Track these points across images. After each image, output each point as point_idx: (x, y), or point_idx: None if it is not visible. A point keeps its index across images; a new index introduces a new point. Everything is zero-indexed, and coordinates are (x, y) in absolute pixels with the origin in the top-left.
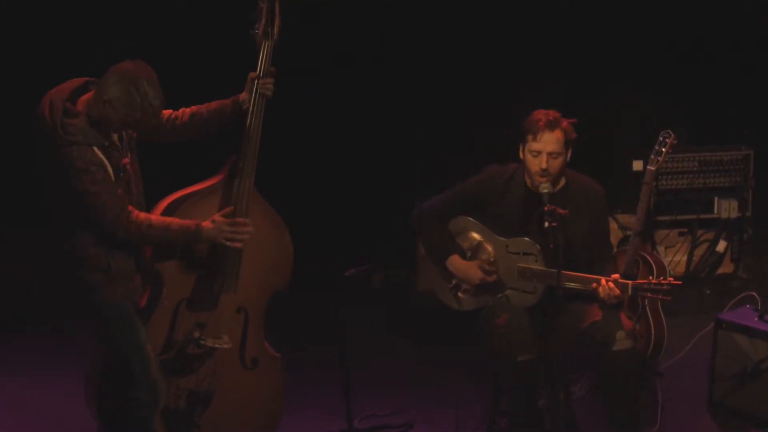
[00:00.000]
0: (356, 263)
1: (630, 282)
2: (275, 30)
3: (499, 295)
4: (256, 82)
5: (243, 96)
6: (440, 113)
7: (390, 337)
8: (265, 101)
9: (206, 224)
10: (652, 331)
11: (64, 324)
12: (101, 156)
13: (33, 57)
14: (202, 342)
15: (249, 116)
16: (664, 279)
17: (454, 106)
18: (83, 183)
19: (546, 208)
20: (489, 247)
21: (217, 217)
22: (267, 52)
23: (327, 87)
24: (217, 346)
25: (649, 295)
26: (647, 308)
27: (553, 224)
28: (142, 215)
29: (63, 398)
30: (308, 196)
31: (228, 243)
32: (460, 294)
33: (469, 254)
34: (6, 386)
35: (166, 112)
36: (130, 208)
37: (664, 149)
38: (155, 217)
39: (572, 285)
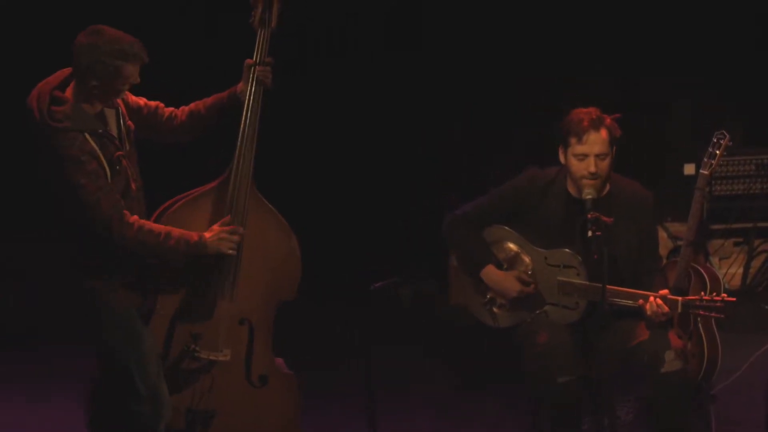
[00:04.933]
0: (383, 276)
1: (680, 298)
2: (273, 17)
3: (538, 311)
4: (252, 69)
5: (240, 86)
6: (475, 116)
7: (419, 356)
8: (262, 91)
9: (209, 234)
10: (705, 351)
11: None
12: (93, 144)
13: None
14: (197, 354)
15: (244, 108)
16: (717, 295)
17: (489, 108)
18: (73, 174)
19: (589, 216)
20: (527, 259)
21: (216, 226)
22: (263, 41)
23: (355, 88)
24: (212, 358)
25: (700, 312)
26: (700, 325)
27: (597, 233)
28: (140, 220)
29: (52, 415)
30: (334, 204)
31: (223, 249)
32: (495, 309)
33: (505, 266)
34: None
35: (167, 110)
36: (125, 212)
37: (718, 152)
38: (154, 224)
39: (617, 301)
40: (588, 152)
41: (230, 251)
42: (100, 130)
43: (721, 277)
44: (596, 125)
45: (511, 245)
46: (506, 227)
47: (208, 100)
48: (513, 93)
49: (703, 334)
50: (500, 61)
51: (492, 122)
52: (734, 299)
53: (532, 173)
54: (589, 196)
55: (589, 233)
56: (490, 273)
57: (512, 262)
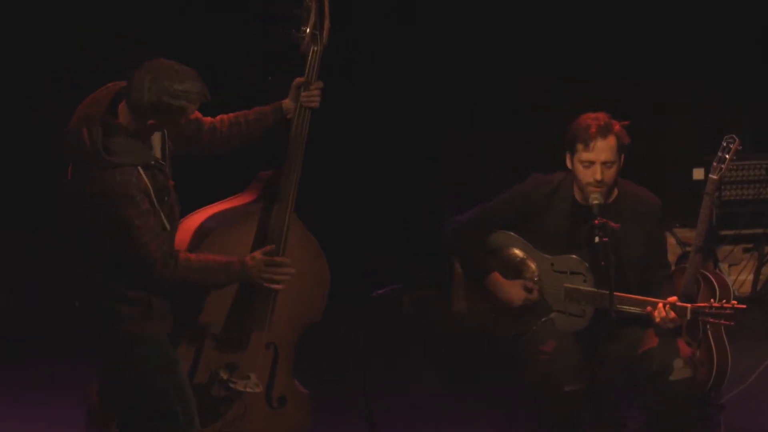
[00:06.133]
0: (384, 283)
1: (689, 305)
2: (324, 33)
3: (544, 319)
4: (302, 90)
5: (286, 103)
6: (475, 119)
7: (420, 365)
8: (310, 113)
9: (251, 263)
10: (714, 359)
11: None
12: (146, 179)
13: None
14: (232, 385)
15: (292, 130)
16: (727, 302)
17: (490, 112)
18: (128, 213)
19: (597, 222)
20: (532, 265)
21: (258, 254)
22: (316, 58)
23: (353, 98)
24: (249, 390)
25: (710, 319)
26: (709, 333)
27: (605, 239)
28: (182, 256)
29: None
30: (331, 209)
31: (266, 284)
32: (500, 317)
33: (510, 273)
34: None
35: (207, 120)
36: (169, 251)
37: (727, 156)
38: (194, 256)
39: (625, 308)
40: (594, 159)
41: (267, 284)
42: (153, 162)
43: (730, 283)
44: (604, 132)
45: (517, 251)
46: (512, 233)
47: (250, 114)
48: (513, 93)
49: (712, 341)
50: (501, 61)
51: (492, 122)
52: (744, 306)
53: (536, 179)
54: (596, 202)
55: (596, 239)
56: (495, 281)
57: (518, 268)
